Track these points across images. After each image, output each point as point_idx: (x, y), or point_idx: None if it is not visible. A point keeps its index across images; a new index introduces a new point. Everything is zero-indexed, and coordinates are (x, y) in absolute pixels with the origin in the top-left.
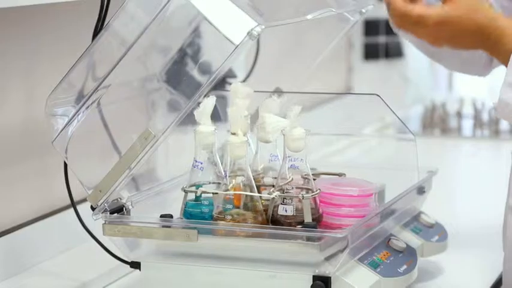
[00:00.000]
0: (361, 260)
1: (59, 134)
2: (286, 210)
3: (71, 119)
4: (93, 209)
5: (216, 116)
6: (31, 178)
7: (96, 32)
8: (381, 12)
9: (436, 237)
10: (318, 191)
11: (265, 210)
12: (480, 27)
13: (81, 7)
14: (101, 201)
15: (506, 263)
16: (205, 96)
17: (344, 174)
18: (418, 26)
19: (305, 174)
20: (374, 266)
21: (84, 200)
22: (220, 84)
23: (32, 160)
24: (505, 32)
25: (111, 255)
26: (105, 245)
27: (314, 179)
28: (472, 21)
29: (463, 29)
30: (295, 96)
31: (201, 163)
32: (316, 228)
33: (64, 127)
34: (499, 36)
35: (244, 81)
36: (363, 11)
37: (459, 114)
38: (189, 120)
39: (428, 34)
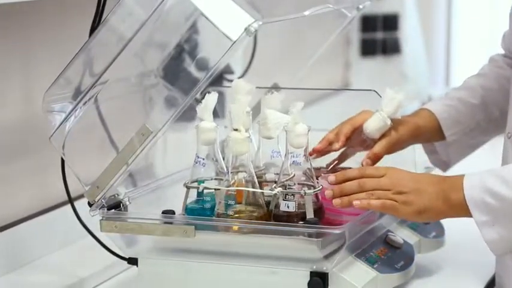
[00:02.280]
0: (358, 256)
1: (56, 130)
2: (288, 207)
3: (68, 115)
4: (90, 205)
5: (214, 111)
6: (28, 174)
7: (93, 28)
8: (378, 8)
9: (434, 234)
10: (320, 187)
11: (268, 206)
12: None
13: (79, 2)
14: (98, 197)
15: (497, 266)
16: (202, 92)
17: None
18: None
19: (307, 170)
20: (371, 262)
21: (81, 196)
22: (218, 80)
23: (29, 157)
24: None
25: (108, 252)
26: (103, 241)
27: (316, 176)
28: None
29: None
30: (292, 92)
31: (203, 159)
32: (318, 224)
33: (61, 123)
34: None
35: (241, 77)
36: (360, 7)
37: None
38: (186, 116)
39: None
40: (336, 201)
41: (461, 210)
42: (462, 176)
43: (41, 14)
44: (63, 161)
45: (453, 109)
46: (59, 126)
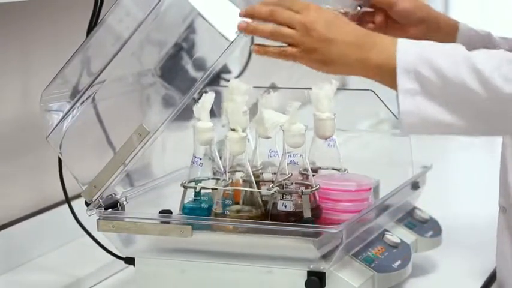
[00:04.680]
0: (355, 255)
1: (53, 130)
2: (285, 206)
3: (65, 115)
4: (87, 204)
5: (210, 111)
6: (25, 174)
7: (91, 27)
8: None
9: (430, 233)
10: (317, 186)
11: (265, 206)
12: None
13: (76, 1)
14: (96, 197)
15: (498, 260)
16: (200, 91)
17: (346, 170)
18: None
19: (304, 170)
20: (368, 261)
21: (78, 196)
22: (215, 79)
23: (26, 156)
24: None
25: (105, 251)
26: (100, 240)
27: (313, 175)
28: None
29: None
30: (289, 91)
31: (200, 159)
32: (314, 224)
33: (58, 122)
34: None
35: (238, 76)
36: (358, 8)
37: None
38: (184, 115)
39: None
40: (242, 25)
41: (378, 72)
42: (395, 38)
43: (38, 13)
44: (60, 161)
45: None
46: (56, 125)
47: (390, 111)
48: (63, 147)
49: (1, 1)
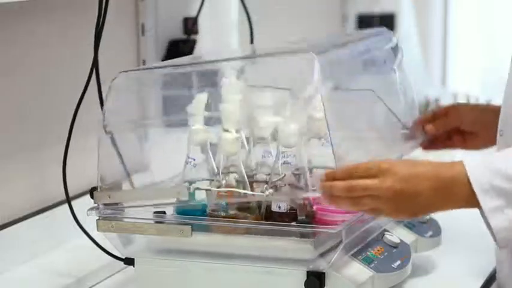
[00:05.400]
0: (355, 255)
1: (115, 121)
2: (279, 207)
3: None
4: (92, 196)
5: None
6: (25, 174)
7: (98, 29)
8: (375, 7)
9: (430, 233)
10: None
11: (259, 207)
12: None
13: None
14: (104, 202)
15: (498, 260)
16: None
17: None
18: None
19: (298, 170)
20: (368, 261)
21: (77, 196)
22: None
23: (26, 156)
24: (455, 181)
25: (104, 252)
26: (99, 240)
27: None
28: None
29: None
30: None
31: (194, 160)
32: (309, 224)
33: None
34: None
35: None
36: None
37: None
38: (185, 117)
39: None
40: (324, 196)
41: (463, 202)
42: (460, 163)
43: (38, 13)
44: (64, 161)
45: None
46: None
47: (390, 111)
48: (106, 139)
49: (9, 0)
